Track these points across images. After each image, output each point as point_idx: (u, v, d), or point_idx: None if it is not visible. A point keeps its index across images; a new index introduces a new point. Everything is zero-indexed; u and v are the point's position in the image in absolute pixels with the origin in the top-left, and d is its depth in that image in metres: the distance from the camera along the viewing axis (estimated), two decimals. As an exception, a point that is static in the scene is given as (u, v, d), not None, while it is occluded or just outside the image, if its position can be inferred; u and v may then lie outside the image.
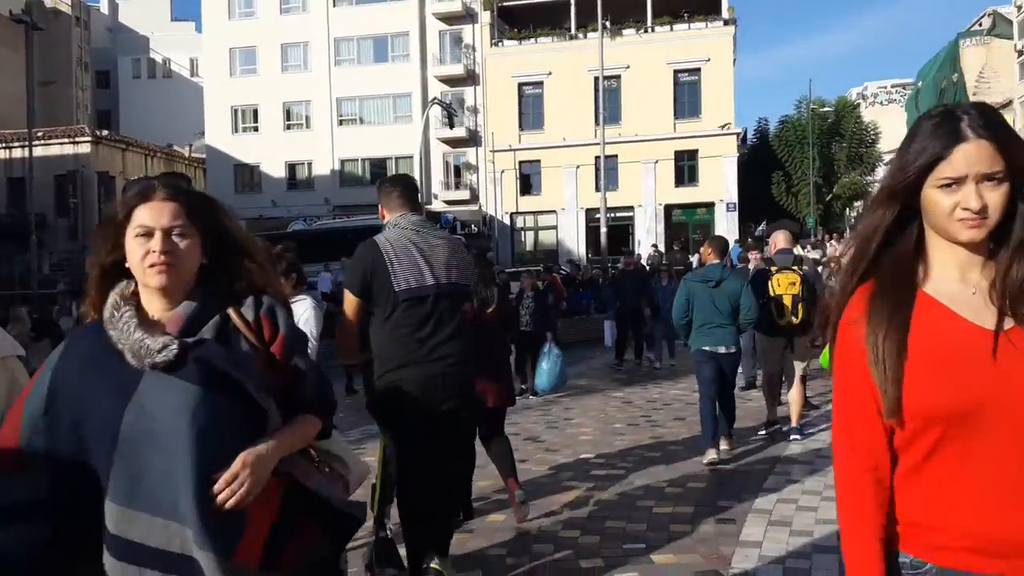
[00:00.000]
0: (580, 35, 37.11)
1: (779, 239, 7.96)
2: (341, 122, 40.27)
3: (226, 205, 1.90)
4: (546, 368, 9.57)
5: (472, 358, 3.72)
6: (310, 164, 40.69)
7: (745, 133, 44.27)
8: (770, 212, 42.02)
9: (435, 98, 31.60)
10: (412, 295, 3.50)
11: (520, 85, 38.18)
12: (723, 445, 6.62)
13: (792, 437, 7.15)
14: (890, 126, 60.89)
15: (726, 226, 36.11)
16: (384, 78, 38.95)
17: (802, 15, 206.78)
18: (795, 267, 7.38)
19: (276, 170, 40.70)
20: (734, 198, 36.34)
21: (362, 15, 39.16)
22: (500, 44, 38.67)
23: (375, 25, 39.03)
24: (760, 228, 33.97)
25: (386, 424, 3.75)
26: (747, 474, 6.07)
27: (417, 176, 29.46)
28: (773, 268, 7.42)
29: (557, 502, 5.53)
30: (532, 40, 38.42)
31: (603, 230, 25.88)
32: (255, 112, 41.13)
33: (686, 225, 37.59)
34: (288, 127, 41.05)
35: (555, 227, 38.32)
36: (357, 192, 38.61)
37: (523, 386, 10.14)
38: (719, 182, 36.35)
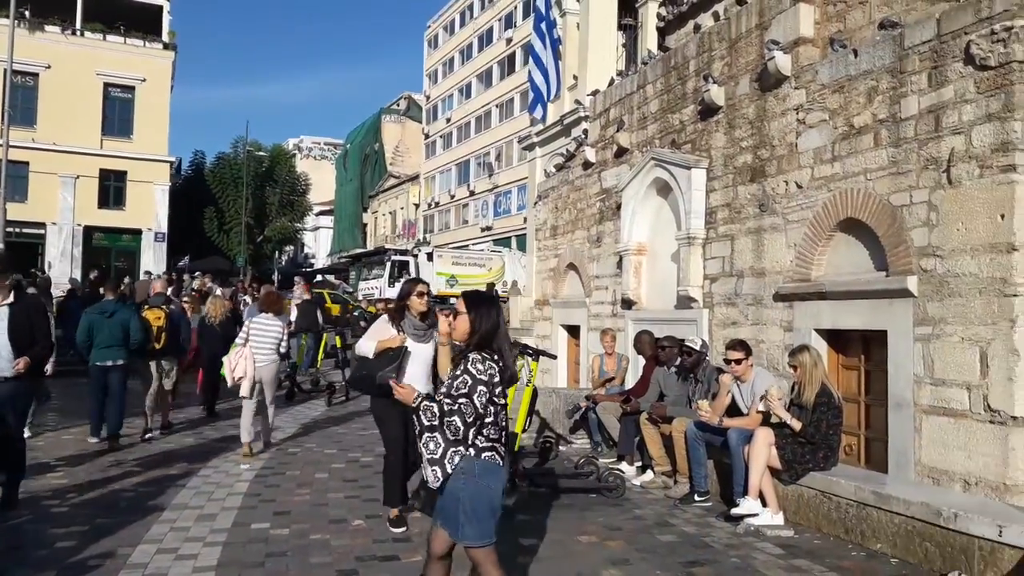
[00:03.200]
0: (-11, 17, 31.55)
1: (157, 285, 11.44)
2: None
3: None
4: None
5: None
6: None
7: (180, 163, 43.00)
8: (200, 246, 41.40)
9: None
10: None
11: None
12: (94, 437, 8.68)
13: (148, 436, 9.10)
14: (321, 179, 66.16)
15: (153, 255, 34.26)
16: None
17: (244, 60, 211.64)
18: (163, 306, 9.65)
19: None
20: (164, 228, 34.69)
21: None
22: None
23: None
24: (183, 261, 33.11)
25: None
26: (130, 523, 5.64)
27: None
28: (146, 307, 9.69)
29: None
30: (-82, 6, 31.23)
31: (0, 246, 22.01)
32: None
33: (109, 250, 34.47)
34: None
35: (-67, 237, 31.29)
36: None
37: None
38: (149, 209, 34.32)
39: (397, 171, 61.87)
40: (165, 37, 35.37)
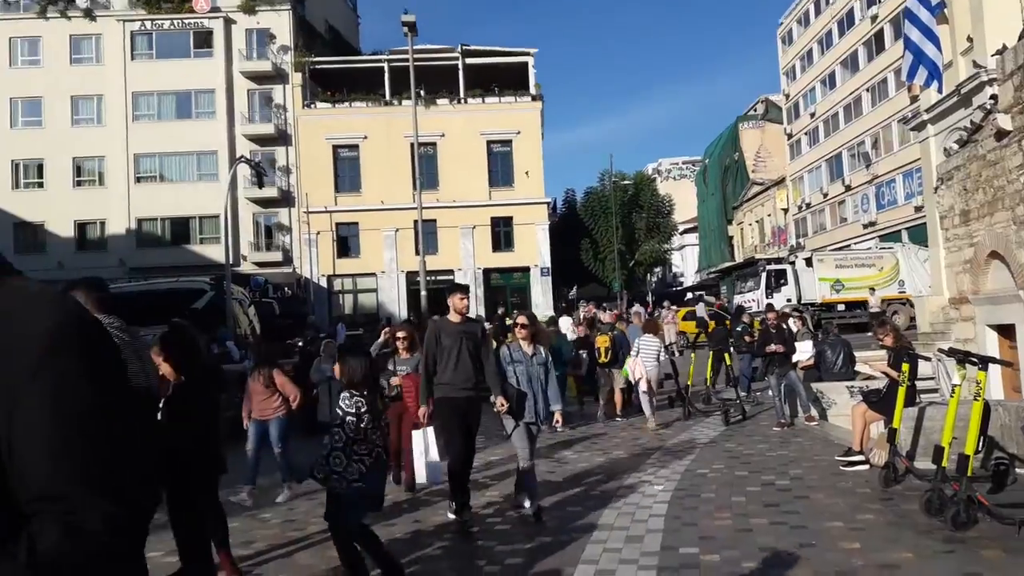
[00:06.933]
0: (395, 102, 37.45)
1: (606, 316, 16.70)
2: (139, 179, 37.71)
3: None
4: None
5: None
6: (103, 223, 37.60)
7: (555, 203, 46.38)
8: (580, 276, 44.06)
9: (242, 156, 30.39)
10: (140, 393, 3.50)
11: (335, 147, 37.74)
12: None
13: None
14: (683, 198, 66.48)
15: (541, 289, 37.27)
16: (187, 135, 37.07)
17: (601, 96, 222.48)
18: (608, 332, 13.53)
19: (64, 229, 37.23)
20: (547, 263, 37.63)
21: (163, 70, 37.27)
22: (313, 106, 38.18)
23: (177, 81, 37.25)
24: (572, 292, 35.45)
25: None
26: (566, 543, 5.98)
27: (223, 236, 28.10)
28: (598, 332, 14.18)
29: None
30: (346, 104, 38.26)
31: (423, 293, 25.72)
32: (40, 167, 37.62)
33: (504, 288, 38.36)
34: (78, 184, 37.85)
35: (375, 290, 37.75)
36: (156, 253, 36.18)
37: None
38: (533, 248, 37.57)
39: (760, 177, 59.69)
40: (532, 90, 38.67)
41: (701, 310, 30.12)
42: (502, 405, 6.50)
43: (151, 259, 35.33)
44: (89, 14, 37.73)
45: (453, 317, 6.81)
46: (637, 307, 25.38)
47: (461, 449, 6.59)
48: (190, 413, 4.48)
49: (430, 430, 6.99)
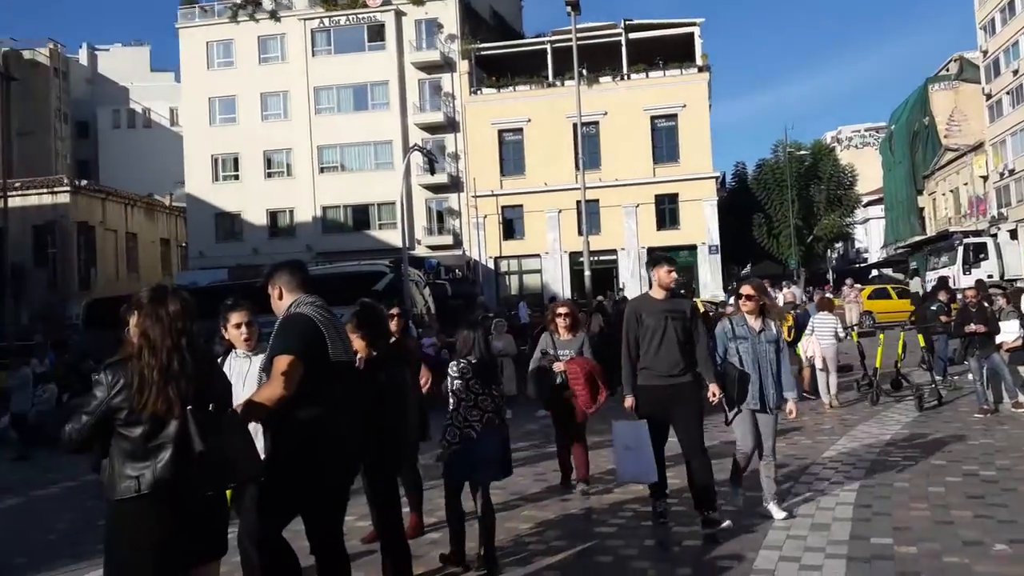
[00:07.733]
0: (558, 83, 37.56)
1: (786, 297, 15.84)
2: (322, 169, 40.27)
3: None
4: None
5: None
6: (292, 211, 40.55)
7: (724, 177, 44.72)
8: (752, 254, 42.32)
9: (415, 145, 31.67)
10: (342, 367, 3.78)
11: (500, 132, 38.45)
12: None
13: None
14: (866, 168, 61.99)
15: (709, 268, 36.22)
16: (364, 126, 39.10)
17: (773, 64, 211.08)
18: (791, 311, 13.04)
19: (258, 218, 40.51)
20: (716, 240, 36.50)
21: (341, 64, 39.46)
22: (479, 92, 39.05)
23: (354, 74, 39.33)
24: (745, 270, 34.11)
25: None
26: (747, 528, 5.81)
27: (399, 222, 29.45)
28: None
29: (540, 564, 5.24)
30: (511, 88, 38.84)
31: (587, 273, 25.81)
32: (236, 160, 41.06)
33: (669, 268, 37.61)
34: (269, 175, 40.98)
35: (539, 271, 38.28)
36: (339, 239, 38.55)
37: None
38: (700, 225, 36.55)
39: (954, 143, 54.54)
40: (699, 61, 37.48)
41: (916, 285, 28.14)
42: (713, 395, 5.79)
43: (335, 244, 37.71)
44: (274, 15, 40.62)
45: (656, 293, 5.96)
46: (790, 287, 23.88)
47: (659, 444, 5.88)
48: (381, 387, 4.75)
49: (641, 423, 5.84)
